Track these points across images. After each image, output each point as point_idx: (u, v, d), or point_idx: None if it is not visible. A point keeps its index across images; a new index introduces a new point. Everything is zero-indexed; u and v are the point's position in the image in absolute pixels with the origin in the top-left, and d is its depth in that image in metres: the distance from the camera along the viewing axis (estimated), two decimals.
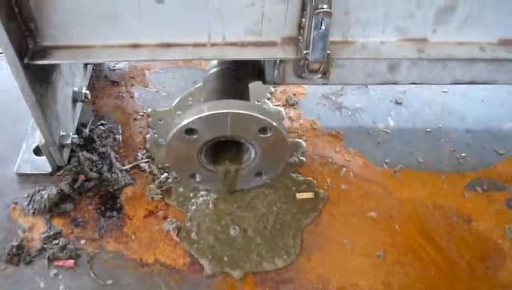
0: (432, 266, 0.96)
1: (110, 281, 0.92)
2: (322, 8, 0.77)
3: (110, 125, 1.19)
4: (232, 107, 0.86)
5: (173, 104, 1.28)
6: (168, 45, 0.86)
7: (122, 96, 1.30)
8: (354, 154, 1.16)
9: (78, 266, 0.93)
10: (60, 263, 0.94)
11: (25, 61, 0.83)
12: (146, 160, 1.11)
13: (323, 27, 0.79)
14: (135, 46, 0.86)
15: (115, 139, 1.16)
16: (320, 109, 1.29)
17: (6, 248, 0.95)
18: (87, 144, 1.12)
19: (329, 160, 1.14)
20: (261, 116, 0.86)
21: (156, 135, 1.18)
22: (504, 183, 1.12)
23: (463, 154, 1.18)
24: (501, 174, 1.14)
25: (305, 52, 0.84)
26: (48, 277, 0.91)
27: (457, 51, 0.90)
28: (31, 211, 1.01)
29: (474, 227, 1.03)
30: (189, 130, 0.89)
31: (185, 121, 0.87)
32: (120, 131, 1.17)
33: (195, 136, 0.90)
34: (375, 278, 0.94)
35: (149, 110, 1.25)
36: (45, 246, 0.96)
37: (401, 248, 0.99)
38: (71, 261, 0.94)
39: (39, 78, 0.92)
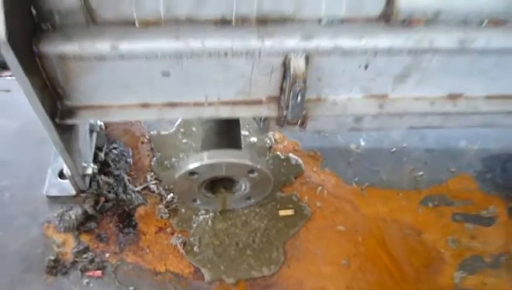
0: (386, 272, 1.20)
1: (131, 288, 1.15)
2: (299, 85, 0.96)
3: (122, 149, 1.38)
4: (227, 156, 1.05)
5: (174, 128, 1.44)
6: (173, 105, 1.04)
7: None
8: (329, 173, 1.36)
9: (105, 276, 1.16)
10: (90, 273, 1.17)
11: (56, 121, 1.01)
12: (154, 182, 1.32)
13: (299, 98, 0.97)
14: (145, 105, 1.04)
15: (126, 162, 1.35)
16: (301, 132, 1.48)
17: (45, 261, 1.17)
18: (104, 167, 1.32)
19: (308, 179, 1.35)
20: (250, 163, 1.06)
21: (160, 158, 1.37)
22: (452, 199, 1.34)
23: (420, 173, 1.38)
24: (451, 191, 1.35)
25: (285, 112, 1.03)
26: (81, 285, 1.14)
27: (411, 106, 1.08)
28: (62, 228, 1.22)
29: (423, 239, 1.26)
30: (192, 173, 1.08)
31: (189, 167, 1.06)
32: (130, 154, 1.37)
33: (196, 176, 1.10)
34: (340, 282, 1.17)
35: (151, 132, 1.44)
36: (77, 259, 1.18)
37: (363, 257, 1.22)
38: (99, 272, 1.17)
39: (67, 129, 1.11)
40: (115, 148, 1.35)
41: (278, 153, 1.38)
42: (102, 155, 1.31)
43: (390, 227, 1.26)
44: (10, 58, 0.82)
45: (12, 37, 0.80)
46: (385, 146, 1.43)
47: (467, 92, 1.10)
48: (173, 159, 1.34)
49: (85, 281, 1.14)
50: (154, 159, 1.35)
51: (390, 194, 1.33)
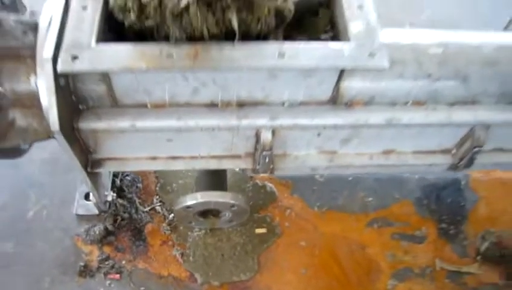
0: (335, 279, 1.56)
1: (142, 288, 1.52)
2: (266, 151, 1.29)
3: (133, 176, 1.71)
4: (215, 197, 1.40)
5: None
6: (174, 158, 1.38)
7: None
8: (297, 199, 1.70)
9: (122, 278, 1.52)
10: (111, 276, 1.53)
11: (88, 170, 1.35)
12: (159, 204, 1.66)
13: (267, 159, 1.31)
14: (154, 158, 1.37)
15: (137, 187, 1.69)
16: None
17: (77, 266, 1.53)
18: (119, 191, 1.67)
19: (279, 203, 1.69)
20: (232, 201, 1.41)
21: (164, 184, 1.72)
22: (393, 221, 1.68)
23: (370, 199, 1.72)
24: (393, 214, 1.69)
25: (257, 165, 1.36)
26: (105, 285, 1.50)
27: (354, 160, 1.42)
28: (88, 241, 1.57)
29: (367, 252, 1.61)
30: (188, 207, 1.43)
31: (186, 203, 1.41)
32: (140, 181, 1.71)
33: (191, 209, 1.45)
34: (299, 287, 1.55)
35: None
36: (100, 265, 1.54)
37: (318, 267, 1.57)
38: (118, 275, 1.53)
39: (95, 173, 1.43)
40: (127, 175, 1.69)
41: (257, 181, 1.72)
42: (118, 181, 1.66)
43: (341, 243, 1.61)
44: (60, 139, 1.16)
45: (61, 125, 1.12)
46: (343, 175, 1.77)
47: (398, 149, 1.43)
48: (174, 185, 1.68)
49: (107, 282, 1.50)
50: (159, 184, 1.69)
51: (344, 216, 1.67)
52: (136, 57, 1.02)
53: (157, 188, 1.68)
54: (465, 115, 1.30)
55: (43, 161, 1.70)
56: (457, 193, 1.73)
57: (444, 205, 1.72)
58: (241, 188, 1.67)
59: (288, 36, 1.21)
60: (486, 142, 1.36)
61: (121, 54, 1.02)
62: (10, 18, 1.15)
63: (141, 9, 1.05)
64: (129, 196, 1.65)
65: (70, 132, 1.20)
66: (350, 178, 1.76)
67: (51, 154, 1.70)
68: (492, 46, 1.31)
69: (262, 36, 1.15)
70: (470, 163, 1.40)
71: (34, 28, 1.15)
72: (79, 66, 1.01)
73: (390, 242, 1.63)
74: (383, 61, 1.06)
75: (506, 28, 1.47)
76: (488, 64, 1.28)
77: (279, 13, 1.12)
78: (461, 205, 1.73)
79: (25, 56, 1.19)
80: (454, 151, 1.42)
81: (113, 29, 1.14)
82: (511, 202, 1.74)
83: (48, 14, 1.15)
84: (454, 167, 1.44)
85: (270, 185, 1.68)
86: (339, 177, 1.76)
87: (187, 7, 1.00)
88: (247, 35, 1.13)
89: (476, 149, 1.35)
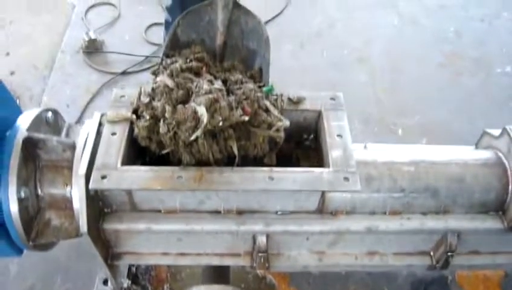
0: None
1: None
2: (262, 253, 1.47)
3: (147, 265, 1.92)
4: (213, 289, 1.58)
5: None
6: (183, 254, 1.57)
7: None
8: None
9: None
10: None
11: (108, 262, 1.55)
12: None
13: (262, 259, 1.49)
14: (165, 254, 1.57)
15: (150, 274, 1.89)
16: None
17: None
18: (134, 278, 1.86)
19: None
20: None
21: (174, 273, 1.90)
22: None
23: None
24: None
25: (255, 264, 1.54)
26: None
27: (341, 260, 1.58)
28: None
29: None
30: None
31: None
32: (153, 268, 1.91)
33: None
34: None
35: None
36: None
37: None
38: None
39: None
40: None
41: (258, 272, 1.88)
42: (134, 269, 1.85)
43: None
44: (87, 239, 1.38)
45: (89, 227, 1.34)
46: (337, 269, 1.92)
47: (380, 251, 1.59)
48: (183, 274, 1.86)
49: None
50: (169, 273, 1.88)
51: None
52: (152, 178, 1.25)
53: (168, 276, 1.86)
54: (436, 224, 1.46)
55: (70, 246, 1.90)
56: (444, 288, 1.85)
57: None
58: (243, 278, 1.83)
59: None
60: (460, 247, 1.51)
61: (140, 176, 1.25)
62: (54, 138, 1.42)
63: (160, 140, 1.31)
64: (143, 283, 1.83)
65: (96, 232, 1.42)
66: (343, 272, 1.91)
67: (78, 240, 1.91)
68: (459, 164, 1.51)
69: (259, 158, 1.39)
70: (445, 265, 1.54)
71: (72, 147, 1.42)
72: (107, 185, 1.24)
73: None
74: (356, 185, 1.26)
75: (477, 143, 1.66)
76: (455, 180, 1.47)
77: (272, 140, 1.36)
78: None
79: (63, 168, 1.45)
80: (432, 253, 1.57)
81: (137, 148, 1.40)
82: None
83: (83, 136, 1.42)
84: (432, 268, 1.59)
85: (270, 276, 1.84)
86: (332, 272, 1.90)
87: (196, 138, 1.25)
88: (246, 157, 1.37)
89: (449, 253, 1.50)
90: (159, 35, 2.81)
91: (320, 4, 3.41)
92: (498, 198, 1.47)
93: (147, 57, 2.85)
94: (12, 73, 2.75)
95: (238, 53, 1.49)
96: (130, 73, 2.74)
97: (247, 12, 1.47)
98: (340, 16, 3.34)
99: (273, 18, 3.19)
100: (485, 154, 1.55)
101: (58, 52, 2.89)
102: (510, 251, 1.59)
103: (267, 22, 3.14)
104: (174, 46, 1.46)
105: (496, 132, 1.58)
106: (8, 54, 2.89)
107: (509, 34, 3.37)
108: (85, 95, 2.61)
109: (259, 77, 1.43)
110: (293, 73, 2.83)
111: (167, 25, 2.48)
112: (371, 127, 2.56)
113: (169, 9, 2.41)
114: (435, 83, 2.87)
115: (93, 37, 2.87)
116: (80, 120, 2.43)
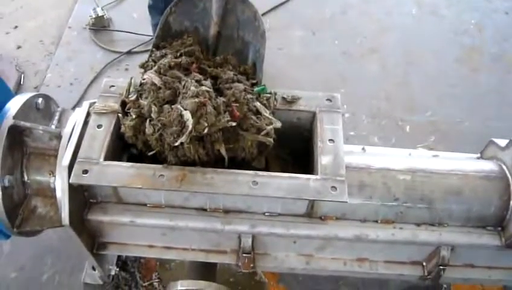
0: None
1: None
2: (247, 254, 1.44)
3: None
4: (202, 286, 1.55)
5: None
6: (168, 248, 1.55)
7: None
8: (283, 288, 1.83)
9: None
10: None
11: (94, 252, 1.54)
12: (157, 280, 1.83)
13: (246, 260, 1.46)
14: (151, 246, 1.55)
15: (140, 262, 1.88)
16: None
17: None
18: (123, 265, 1.85)
19: None
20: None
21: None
22: None
23: None
24: None
25: (240, 263, 1.51)
26: None
27: (329, 265, 1.54)
28: None
29: None
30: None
31: (176, 287, 1.57)
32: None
33: None
34: None
35: None
36: None
37: None
38: None
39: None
40: None
41: None
42: (123, 257, 1.84)
43: None
44: (70, 231, 1.35)
45: (71, 219, 1.32)
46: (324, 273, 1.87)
47: (370, 258, 1.54)
48: (172, 264, 1.85)
49: None
50: (158, 262, 1.87)
51: None
52: (134, 176, 1.21)
53: (157, 265, 1.85)
54: (430, 236, 1.40)
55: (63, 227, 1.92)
56: None
57: None
58: (233, 273, 1.81)
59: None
60: (454, 260, 1.45)
61: (122, 172, 1.21)
62: (40, 127, 1.39)
63: (146, 139, 1.27)
64: (131, 270, 1.82)
65: (80, 222, 1.40)
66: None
67: None
68: (458, 176, 1.43)
69: (247, 161, 1.33)
70: (437, 277, 1.49)
71: (58, 136, 1.39)
72: (87, 180, 1.21)
73: None
74: (343, 195, 1.20)
75: (482, 152, 1.58)
76: (453, 193, 1.40)
77: (261, 144, 1.30)
78: None
79: (50, 156, 1.42)
80: (424, 263, 1.52)
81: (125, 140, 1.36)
82: None
83: (70, 125, 1.39)
84: (424, 279, 1.53)
85: (261, 274, 1.82)
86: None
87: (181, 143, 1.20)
88: (234, 159, 1.32)
89: (441, 267, 1.44)
90: None
91: None
92: (497, 213, 1.40)
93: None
94: (19, 47, 2.73)
95: (232, 44, 1.42)
96: (135, 53, 2.69)
97: (244, 0, 1.39)
98: (355, 1, 3.20)
99: (284, 3, 3.06)
100: (488, 166, 1.47)
101: (65, 28, 2.84)
102: (507, 267, 1.52)
103: (277, 7, 3.03)
104: (165, 35, 1.41)
105: (503, 142, 1.49)
106: (16, 27, 2.86)
107: None
108: (89, 74, 2.58)
109: (252, 73, 1.37)
110: (303, 61, 2.74)
111: (150, 9, 2.43)
112: (377, 122, 2.47)
113: None
114: (450, 79, 2.75)
115: (100, 14, 2.82)
116: (81, 99, 2.40)
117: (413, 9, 3.20)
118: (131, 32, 2.79)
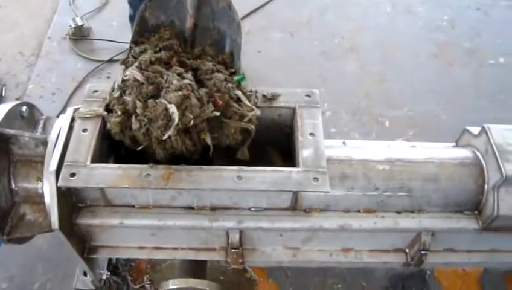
0: None
1: None
2: (235, 249, 1.48)
3: None
4: (193, 283, 1.58)
5: None
6: (158, 248, 1.58)
7: None
8: (272, 283, 1.86)
9: None
10: None
11: (84, 255, 1.56)
12: (149, 282, 1.85)
13: (235, 255, 1.49)
14: (141, 247, 1.58)
15: (131, 266, 1.90)
16: None
17: None
18: (114, 269, 1.87)
19: (255, 288, 1.86)
20: (207, 289, 1.59)
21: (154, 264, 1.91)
22: None
23: (339, 285, 1.87)
24: None
25: (228, 259, 1.55)
26: None
27: (316, 256, 1.58)
28: None
29: None
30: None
31: (169, 287, 1.60)
32: (133, 259, 1.92)
33: None
34: None
35: None
36: None
37: None
38: None
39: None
40: None
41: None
42: (114, 260, 1.86)
43: None
44: (60, 235, 1.38)
45: (60, 223, 1.35)
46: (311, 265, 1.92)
47: (355, 247, 1.59)
48: (162, 265, 1.88)
49: None
50: (149, 264, 1.89)
51: None
52: (121, 176, 1.24)
53: (148, 268, 1.87)
54: (410, 223, 1.46)
55: (52, 234, 1.92)
56: (422, 283, 1.86)
57: None
58: (222, 270, 1.85)
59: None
60: (435, 245, 1.51)
61: (109, 173, 1.24)
62: (25, 134, 1.41)
63: (133, 135, 1.30)
64: (123, 274, 1.84)
65: (69, 227, 1.42)
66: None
67: None
68: (434, 164, 1.50)
69: (231, 148, 1.38)
70: (419, 263, 1.54)
71: (44, 142, 1.41)
72: (75, 183, 1.24)
73: None
74: (325, 186, 1.25)
75: (457, 141, 1.64)
76: (430, 180, 1.47)
77: (244, 131, 1.35)
78: None
79: (37, 163, 1.44)
80: (407, 250, 1.58)
81: (111, 141, 1.38)
82: None
83: (55, 131, 1.41)
84: (407, 265, 1.59)
85: (249, 269, 1.86)
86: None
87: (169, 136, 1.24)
88: (218, 147, 1.36)
89: (423, 252, 1.50)
90: None
91: None
92: (473, 198, 1.47)
93: None
94: None
95: (209, 35, 1.46)
96: (116, 61, 2.71)
97: None
98: (332, 2, 3.28)
99: (263, 6, 3.12)
100: (463, 153, 1.54)
101: (45, 39, 2.85)
102: (486, 249, 1.59)
103: (256, 10, 3.09)
104: (142, 31, 1.45)
105: (476, 130, 1.56)
106: None
107: (505, 23, 3.31)
108: (71, 83, 2.59)
109: (230, 62, 1.41)
110: (282, 63, 2.79)
111: (131, 20, 2.46)
112: (358, 118, 2.54)
113: (131, 3, 2.40)
114: (426, 74, 2.83)
115: (80, 23, 2.83)
116: (64, 109, 2.41)
117: (388, 8, 3.29)
118: (112, 41, 2.81)
